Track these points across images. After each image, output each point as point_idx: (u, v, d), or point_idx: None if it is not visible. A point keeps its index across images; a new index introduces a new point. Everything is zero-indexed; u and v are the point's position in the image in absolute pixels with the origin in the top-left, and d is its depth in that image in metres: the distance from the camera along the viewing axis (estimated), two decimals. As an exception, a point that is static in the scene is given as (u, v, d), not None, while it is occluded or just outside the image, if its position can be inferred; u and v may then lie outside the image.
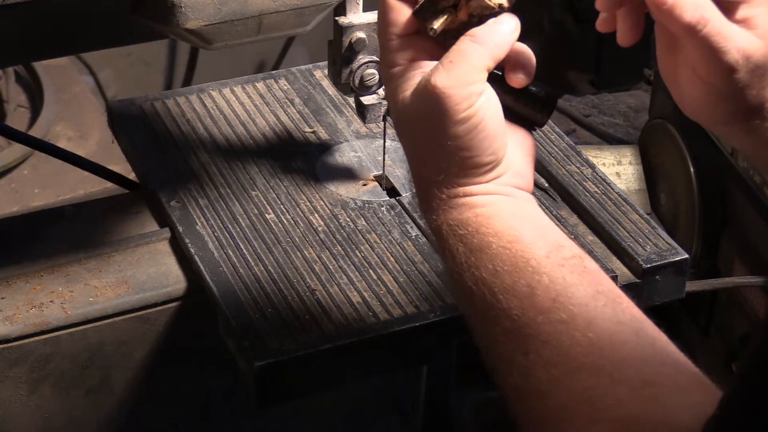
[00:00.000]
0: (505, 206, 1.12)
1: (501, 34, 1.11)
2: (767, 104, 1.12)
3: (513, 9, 1.13)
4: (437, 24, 1.12)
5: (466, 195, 1.12)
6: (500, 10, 1.12)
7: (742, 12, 1.09)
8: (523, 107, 1.16)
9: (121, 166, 1.90)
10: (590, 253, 1.53)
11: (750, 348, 0.85)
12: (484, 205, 1.11)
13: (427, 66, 1.12)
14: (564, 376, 1.01)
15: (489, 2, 1.11)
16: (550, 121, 1.68)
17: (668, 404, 0.96)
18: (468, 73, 1.09)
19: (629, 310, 1.05)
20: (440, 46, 1.12)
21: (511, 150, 1.14)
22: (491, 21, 1.12)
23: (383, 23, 1.14)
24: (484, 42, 1.10)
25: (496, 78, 1.14)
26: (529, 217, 1.13)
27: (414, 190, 1.17)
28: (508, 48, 1.12)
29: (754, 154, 1.21)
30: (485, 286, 1.07)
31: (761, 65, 1.09)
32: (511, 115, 1.16)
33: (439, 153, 1.12)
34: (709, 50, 1.08)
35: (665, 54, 1.15)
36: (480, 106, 1.09)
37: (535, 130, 1.18)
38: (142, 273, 1.53)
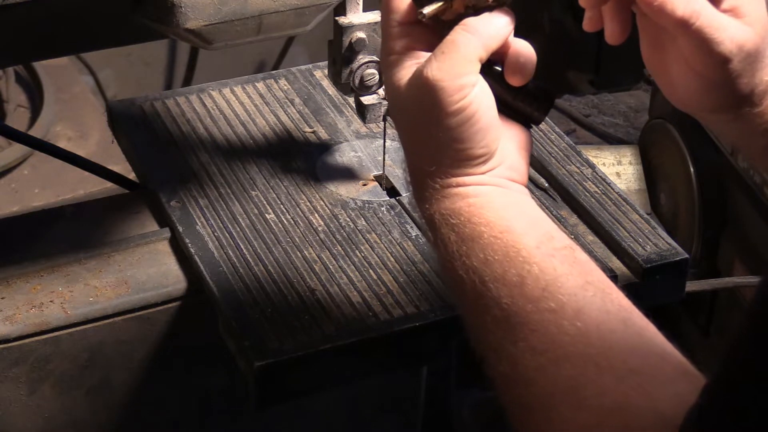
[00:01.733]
0: (498, 197, 1.12)
1: (494, 26, 1.11)
2: (756, 90, 1.13)
3: (513, 9, 1.13)
4: (428, 9, 1.12)
5: (459, 185, 1.12)
6: (496, 4, 1.12)
7: (728, 2, 1.10)
8: (521, 104, 1.17)
9: (121, 166, 1.90)
10: (590, 253, 1.53)
11: (732, 337, 0.85)
12: (477, 196, 1.12)
13: (424, 56, 1.12)
14: (551, 364, 1.01)
15: None
16: (550, 120, 1.68)
17: (653, 393, 0.97)
18: (459, 64, 1.09)
19: (618, 300, 1.06)
20: (439, 36, 1.13)
21: (506, 143, 1.14)
22: (486, 13, 1.12)
23: (385, 9, 1.15)
24: (476, 32, 1.10)
25: (495, 74, 1.14)
26: (521, 208, 1.13)
27: (408, 179, 1.18)
28: (502, 40, 1.12)
29: (740, 140, 1.22)
30: (476, 275, 1.08)
31: (753, 53, 1.10)
32: (508, 110, 1.16)
33: (431, 144, 1.12)
34: (703, 42, 1.09)
35: (651, 49, 1.16)
36: (473, 99, 1.09)
37: (531, 127, 1.19)
38: (142, 273, 1.53)
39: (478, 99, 1.10)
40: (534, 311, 1.04)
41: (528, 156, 1.17)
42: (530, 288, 1.05)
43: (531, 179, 1.62)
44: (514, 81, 1.15)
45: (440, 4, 1.12)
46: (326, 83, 1.83)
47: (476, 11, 1.12)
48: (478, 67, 1.11)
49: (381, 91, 1.57)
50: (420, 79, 1.10)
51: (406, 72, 1.13)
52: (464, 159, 1.11)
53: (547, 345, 1.02)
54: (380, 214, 1.59)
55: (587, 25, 1.18)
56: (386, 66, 1.15)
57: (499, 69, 1.15)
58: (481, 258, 1.08)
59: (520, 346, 1.04)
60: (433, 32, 1.13)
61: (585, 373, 1.00)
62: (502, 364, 1.05)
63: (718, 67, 1.10)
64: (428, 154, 1.13)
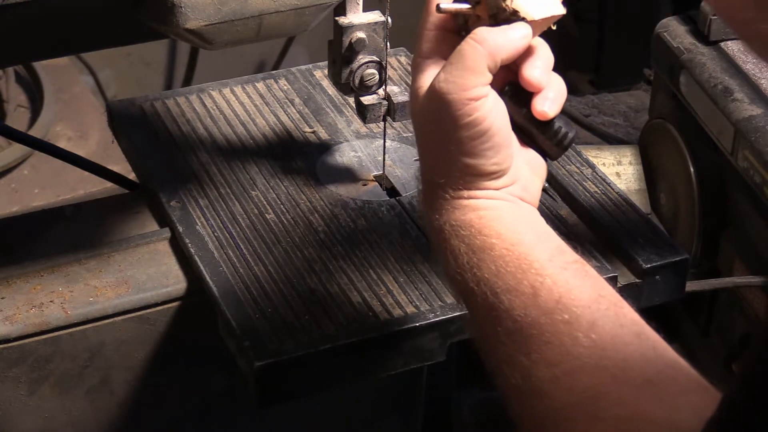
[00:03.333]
0: (508, 211, 1.12)
1: (504, 37, 1.10)
2: None
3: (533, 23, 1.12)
4: (445, 5, 1.12)
5: (470, 197, 1.12)
6: (515, 17, 1.11)
7: None
8: (541, 136, 1.16)
9: (121, 166, 1.90)
10: (590, 252, 1.53)
11: (751, 349, 0.85)
12: (488, 209, 1.11)
13: None
14: (566, 376, 1.01)
15: (502, 2, 1.11)
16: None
17: (669, 404, 0.96)
18: (467, 76, 1.08)
19: (630, 314, 1.06)
20: None
21: (521, 164, 1.14)
22: (504, 26, 1.11)
23: (426, 11, 1.14)
24: (483, 41, 1.10)
25: (522, 102, 1.13)
26: (532, 222, 1.13)
27: (420, 187, 1.17)
28: (513, 51, 1.11)
29: None
30: (487, 287, 1.07)
31: None
32: (526, 138, 1.16)
33: (442, 155, 1.12)
34: None
35: None
36: (486, 115, 1.09)
37: (546, 159, 1.18)
38: (142, 273, 1.53)
39: (491, 116, 1.09)
40: (548, 323, 1.04)
41: (541, 183, 1.17)
42: (544, 300, 1.05)
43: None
44: (540, 115, 1.14)
45: (462, 6, 1.12)
46: (326, 83, 1.83)
47: (497, 22, 1.12)
48: (488, 78, 1.10)
49: (381, 91, 1.57)
50: (432, 90, 1.10)
51: (427, 79, 1.12)
52: (475, 174, 1.11)
53: (561, 357, 1.02)
54: (380, 214, 1.59)
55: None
56: (413, 68, 1.15)
57: (528, 98, 1.14)
58: (492, 270, 1.08)
59: (533, 357, 1.03)
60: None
61: (601, 384, 0.99)
62: (515, 376, 1.04)
63: None
64: (439, 165, 1.13)
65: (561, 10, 1.13)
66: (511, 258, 1.08)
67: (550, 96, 1.13)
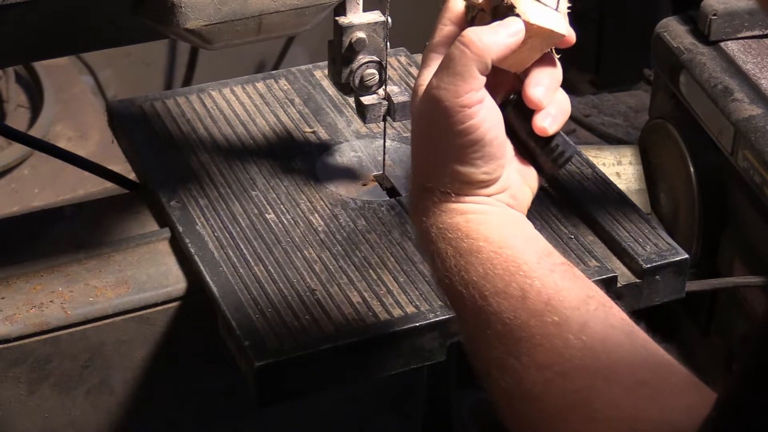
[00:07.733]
0: (496, 215, 1.11)
1: (494, 36, 1.08)
2: None
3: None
4: None
5: (457, 201, 1.11)
6: (511, 13, 1.10)
7: None
8: (538, 150, 1.15)
9: (121, 166, 1.90)
10: (590, 252, 1.53)
11: (747, 349, 0.85)
12: (475, 213, 1.11)
13: None
14: (558, 378, 1.01)
15: None
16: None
17: (663, 404, 0.96)
18: (456, 82, 1.07)
19: (619, 314, 1.06)
20: None
21: (513, 174, 1.14)
22: (496, 23, 1.10)
23: (445, 6, 1.13)
24: (470, 43, 1.07)
25: (524, 114, 1.13)
26: (519, 225, 1.13)
27: (410, 187, 1.17)
28: (503, 49, 1.08)
29: None
30: (476, 290, 1.07)
31: None
32: (523, 150, 1.15)
33: (433, 160, 1.11)
34: None
35: None
36: (479, 124, 1.08)
37: (540, 174, 1.18)
38: (142, 273, 1.53)
39: (485, 124, 1.08)
40: (538, 325, 1.03)
41: (532, 194, 1.16)
42: (533, 302, 1.04)
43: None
44: (540, 131, 1.13)
45: None
46: (326, 83, 1.83)
47: (495, 16, 1.11)
48: (480, 81, 1.08)
49: (381, 91, 1.57)
50: (426, 95, 1.09)
51: (428, 75, 1.10)
52: (464, 182, 1.11)
53: (553, 359, 1.02)
54: (380, 214, 1.59)
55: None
56: (422, 60, 1.14)
57: (530, 111, 1.13)
58: (480, 272, 1.07)
59: (524, 360, 1.03)
60: None
61: (594, 385, 0.99)
62: (506, 379, 1.04)
63: None
64: (429, 168, 1.12)
65: (563, 30, 1.11)
66: (499, 261, 1.07)
67: (552, 113, 1.12)
